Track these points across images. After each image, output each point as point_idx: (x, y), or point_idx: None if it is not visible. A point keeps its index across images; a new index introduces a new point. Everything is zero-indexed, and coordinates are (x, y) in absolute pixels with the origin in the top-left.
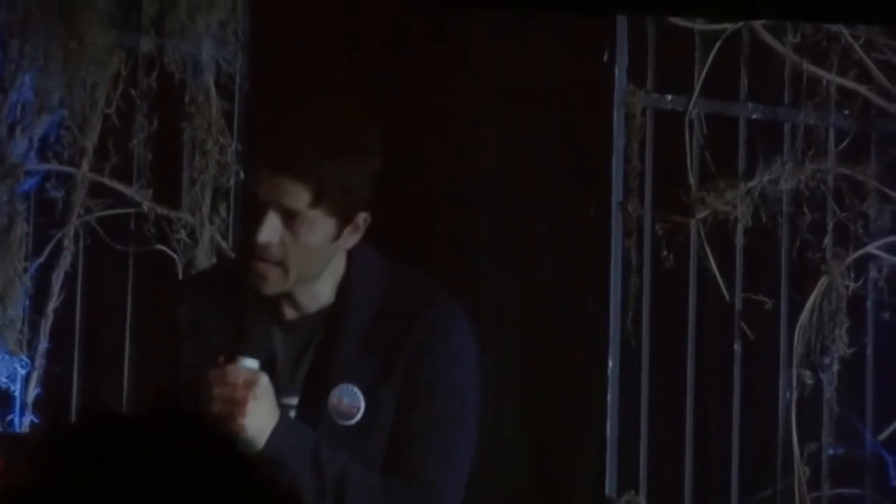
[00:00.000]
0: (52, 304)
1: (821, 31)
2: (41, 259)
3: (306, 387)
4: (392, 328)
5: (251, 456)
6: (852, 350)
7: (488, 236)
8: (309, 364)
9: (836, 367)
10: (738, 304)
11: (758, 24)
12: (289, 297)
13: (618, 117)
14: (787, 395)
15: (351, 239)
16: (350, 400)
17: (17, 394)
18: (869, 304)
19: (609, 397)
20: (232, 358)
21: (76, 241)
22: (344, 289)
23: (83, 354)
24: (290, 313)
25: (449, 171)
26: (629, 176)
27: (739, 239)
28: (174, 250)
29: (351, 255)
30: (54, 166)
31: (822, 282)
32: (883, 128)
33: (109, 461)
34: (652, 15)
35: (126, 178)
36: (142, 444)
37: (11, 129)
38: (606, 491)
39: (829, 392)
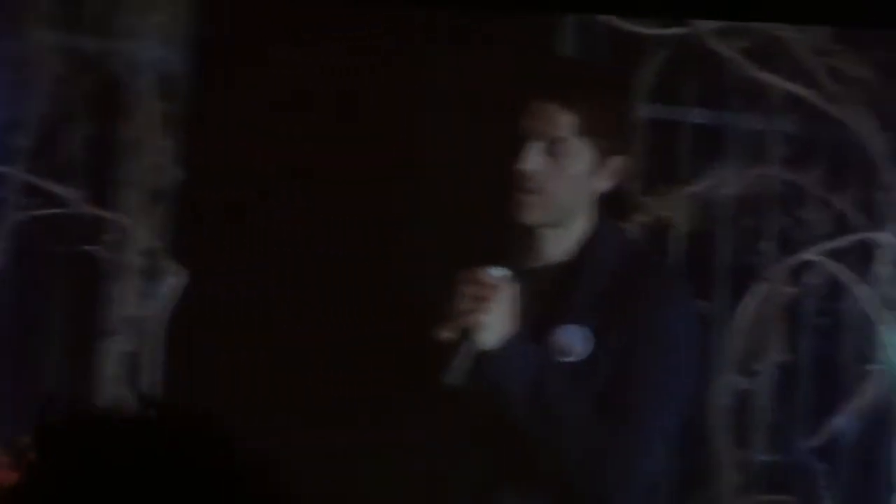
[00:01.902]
0: None
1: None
2: None
3: (533, 325)
4: (623, 287)
5: (243, 453)
6: (786, 357)
7: None
8: (539, 307)
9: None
10: None
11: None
12: (535, 243)
13: None
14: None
15: (605, 182)
16: (572, 338)
17: None
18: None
19: None
20: (483, 266)
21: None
22: (587, 245)
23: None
24: (530, 262)
25: None
26: None
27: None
28: (106, 251)
29: (595, 217)
30: None
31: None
32: None
33: (94, 458)
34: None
35: (61, 178)
36: (128, 442)
37: None
38: None
39: (763, 399)
